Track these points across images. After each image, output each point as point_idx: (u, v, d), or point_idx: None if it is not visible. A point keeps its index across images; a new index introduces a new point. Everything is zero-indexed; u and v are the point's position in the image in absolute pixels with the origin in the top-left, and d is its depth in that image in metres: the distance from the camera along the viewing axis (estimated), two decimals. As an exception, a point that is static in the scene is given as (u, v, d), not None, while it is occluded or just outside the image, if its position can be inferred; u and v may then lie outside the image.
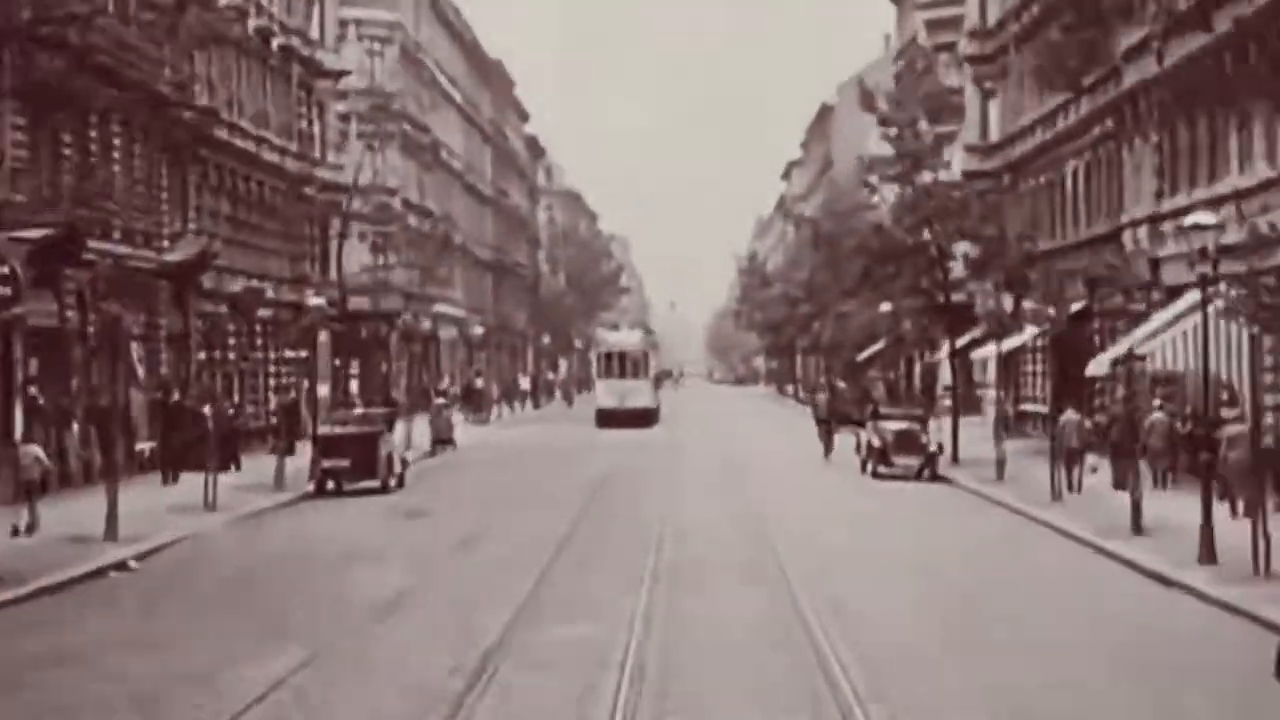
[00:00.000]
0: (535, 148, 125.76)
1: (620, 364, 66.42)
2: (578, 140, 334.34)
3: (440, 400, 74.43)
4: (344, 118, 70.99)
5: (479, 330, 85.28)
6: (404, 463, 40.75)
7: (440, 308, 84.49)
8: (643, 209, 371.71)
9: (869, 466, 42.00)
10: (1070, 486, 35.93)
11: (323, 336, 68.92)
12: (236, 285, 49.44)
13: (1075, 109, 48.26)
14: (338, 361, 70.94)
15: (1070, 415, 37.86)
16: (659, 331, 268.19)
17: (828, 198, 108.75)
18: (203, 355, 47.01)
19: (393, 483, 39.00)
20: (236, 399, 49.39)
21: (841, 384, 73.24)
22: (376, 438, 38.53)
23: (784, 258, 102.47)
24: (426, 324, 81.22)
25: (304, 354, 54.95)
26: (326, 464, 37.86)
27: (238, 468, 43.13)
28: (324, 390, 65.98)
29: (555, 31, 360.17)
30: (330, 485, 38.00)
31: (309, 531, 30.27)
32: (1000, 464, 39.13)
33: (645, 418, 64.74)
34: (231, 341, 49.40)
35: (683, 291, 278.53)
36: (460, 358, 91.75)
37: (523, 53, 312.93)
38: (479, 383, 75.49)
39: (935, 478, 40.81)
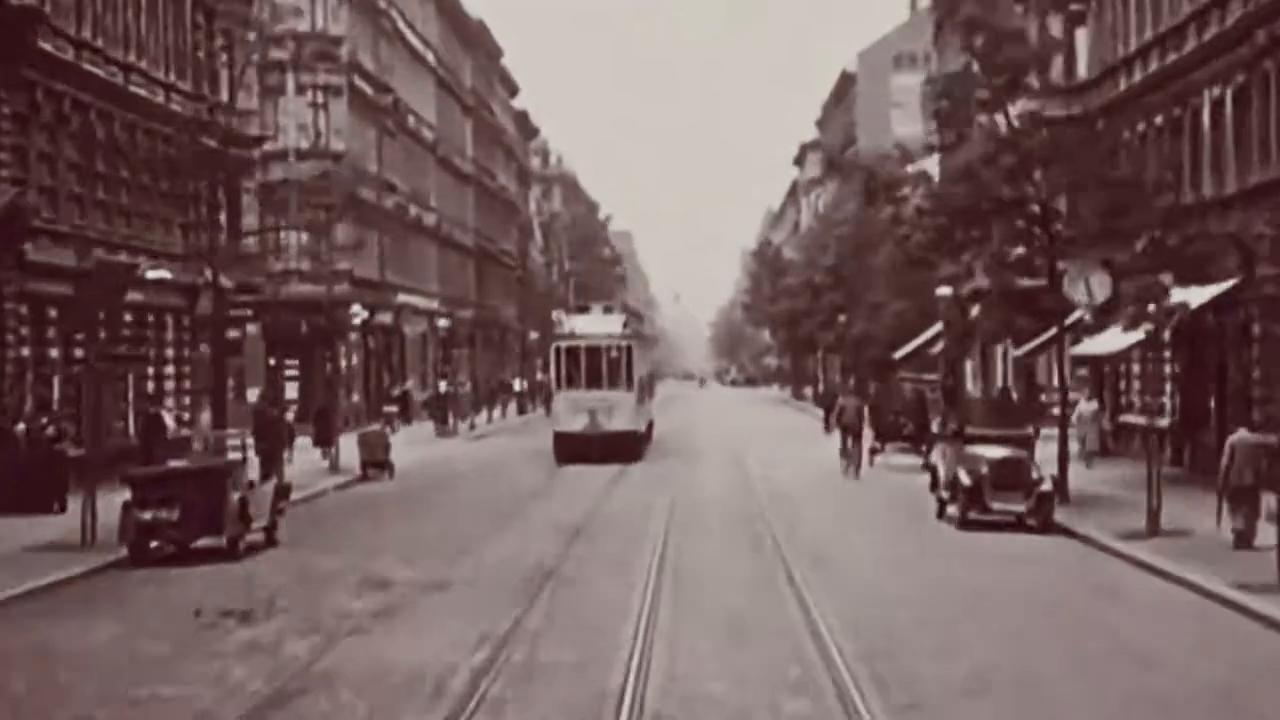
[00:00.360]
0: (526, 126, 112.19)
1: (589, 365, 44.28)
2: (576, 132, 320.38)
3: (390, 408, 61.20)
4: (278, 66, 57.73)
5: (444, 323, 71.79)
6: (278, 509, 27.30)
7: (406, 298, 71.07)
8: (645, 204, 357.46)
9: (950, 510, 28.70)
10: (1243, 540, 23.64)
11: (252, 330, 56.07)
12: (91, 259, 36.04)
13: (1219, 17, 34.74)
14: (271, 361, 57.68)
15: (1243, 435, 24.94)
16: (664, 329, 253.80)
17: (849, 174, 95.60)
18: (25, 352, 33.60)
19: (253, 539, 25.79)
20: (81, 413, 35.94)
21: (873, 387, 60.44)
22: (221, 476, 25.11)
23: (807, 240, 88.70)
24: (387, 317, 67.79)
25: (188, 352, 41.85)
26: (145, 516, 24.49)
27: (61, 509, 30.03)
28: (255, 396, 52.93)
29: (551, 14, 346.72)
30: (165, 545, 24.91)
31: (15, 656, 16.84)
32: (1154, 511, 25.87)
33: (627, 448, 43.71)
34: (79, 335, 35.85)
35: (688, 290, 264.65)
36: (435, 357, 78.34)
37: (517, 35, 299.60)
38: (443, 386, 62.05)
39: (1049, 527, 27.42)
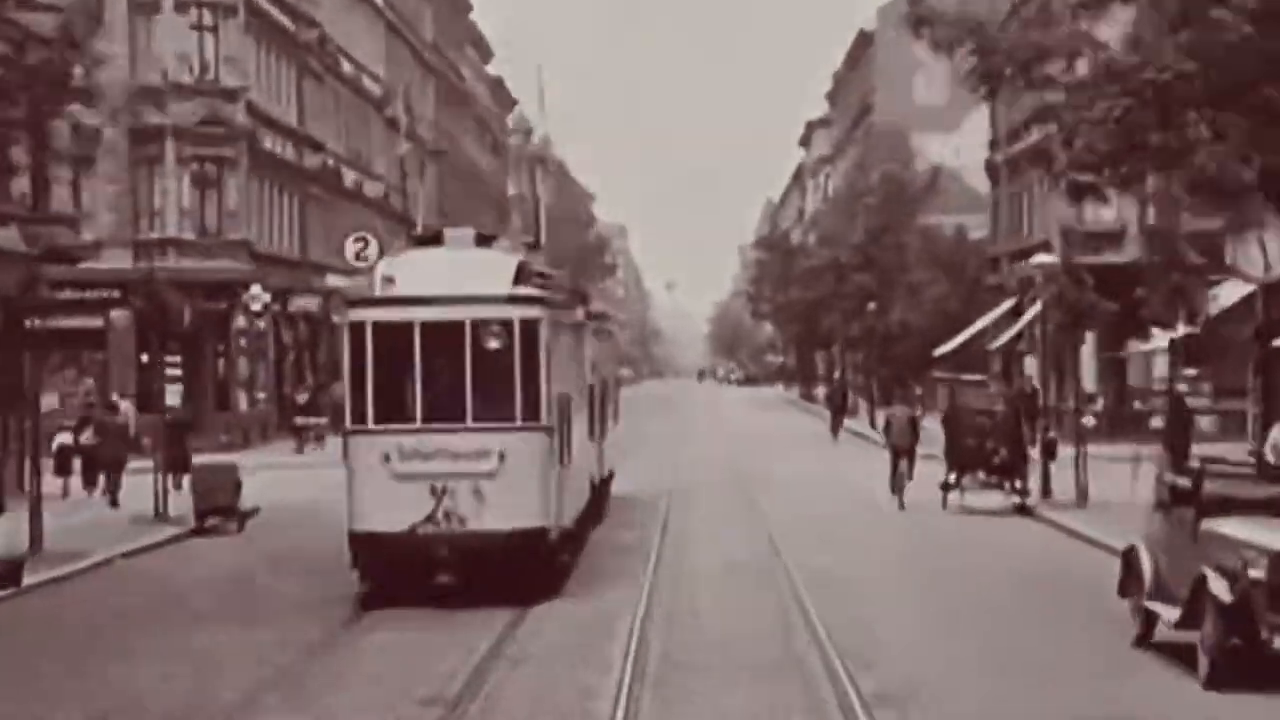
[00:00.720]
0: (502, 95, 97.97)
1: (433, 367, 18.59)
2: (565, 123, 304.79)
3: (305, 420, 47.06)
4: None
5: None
6: None
7: (339, 281, 56.84)
8: (638, 198, 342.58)
9: (1166, 629, 14.83)
10: None
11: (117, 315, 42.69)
12: None
13: None
14: (144, 357, 43.53)
15: None
16: (658, 326, 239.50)
17: (865, 152, 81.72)
18: None
19: None
20: None
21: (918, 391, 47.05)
22: None
23: (827, 214, 73.99)
24: (311, 302, 53.63)
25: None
26: None
27: None
28: (125, 403, 39.30)
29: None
30: None
31: None
32: None
33: (521, 569, 18.38)
34: None
35: (684, 286, 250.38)
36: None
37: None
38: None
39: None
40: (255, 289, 44.59)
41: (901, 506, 28.84)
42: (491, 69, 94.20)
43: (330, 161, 55.37)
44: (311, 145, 52.85)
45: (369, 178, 62.11)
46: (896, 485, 29.56)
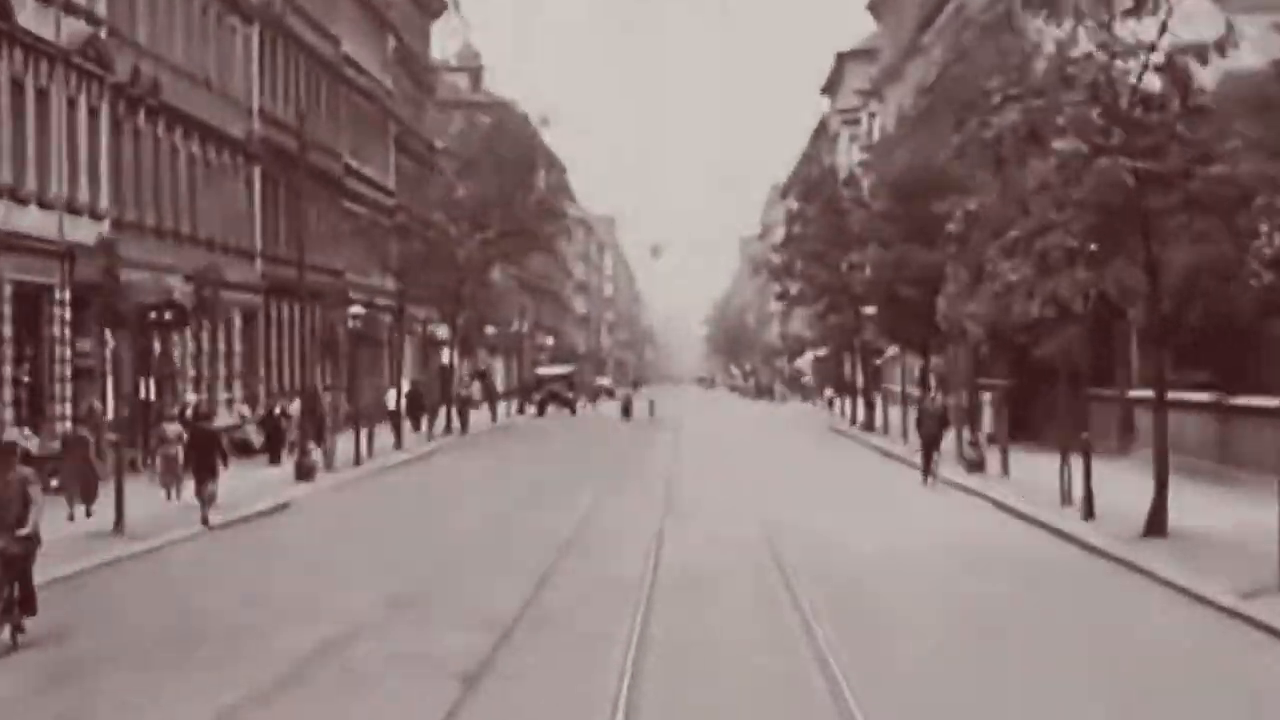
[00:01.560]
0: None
1: None
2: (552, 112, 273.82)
3: None
4: None
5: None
6: None
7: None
8: (626, 191, 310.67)
9: None
10: None
11: None
12: None
13: None
14: None
15: None
16: (656, 333, 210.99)
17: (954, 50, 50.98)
18: None
19: None
20: None
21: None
22: None
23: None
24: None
25: None
26: None
27: None
28: None
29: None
30: None
31: None
32: None
33: None
34: None
35: (678, 289, 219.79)
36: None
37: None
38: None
39: None
40: None
41: None
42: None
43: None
44: None
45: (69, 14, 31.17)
46: None
